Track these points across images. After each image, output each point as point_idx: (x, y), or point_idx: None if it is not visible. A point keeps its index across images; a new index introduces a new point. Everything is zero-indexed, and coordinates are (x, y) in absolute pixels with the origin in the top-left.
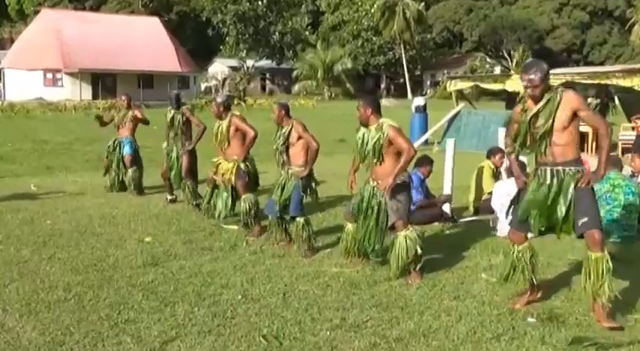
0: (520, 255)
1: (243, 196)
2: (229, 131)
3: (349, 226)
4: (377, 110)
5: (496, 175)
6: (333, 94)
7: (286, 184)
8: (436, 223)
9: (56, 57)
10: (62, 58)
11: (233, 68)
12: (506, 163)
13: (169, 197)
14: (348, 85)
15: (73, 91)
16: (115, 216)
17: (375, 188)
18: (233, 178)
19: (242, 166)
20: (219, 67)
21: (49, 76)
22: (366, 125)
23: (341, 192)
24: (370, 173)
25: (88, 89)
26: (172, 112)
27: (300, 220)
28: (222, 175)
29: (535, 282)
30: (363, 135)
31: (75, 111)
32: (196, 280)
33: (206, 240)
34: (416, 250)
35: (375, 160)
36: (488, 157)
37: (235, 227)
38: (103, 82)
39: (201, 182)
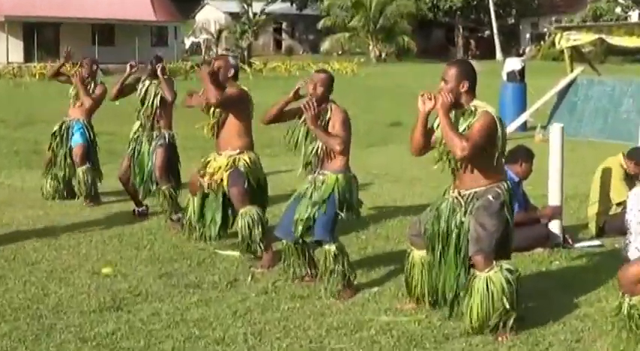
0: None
1: (241, 210)
2: (215, 110)
3: (415, 255)
4: (473, 85)
5: (631, 180)
6: (382, 54)
7: (313, 194)
8: (539, 249)
9: None
10: None
11: (232, 15)
12: None
13: (137, 209)
14: (406, 39)
15: None
16: (58, 236)
17: (457, 200)
18: (225, 181)
19: (241, 163)
20: (212, 14)
21: None
22: (452, 107)
23: (396, 199)
24: (453, 180)
25: (17, 47)
26: (147, 82)
27: (331, 247)
28: (211, 175)
29: None
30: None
31: None
32: (177, 332)
33: (192, 272)
34: (502, 301)
35: (460, 163)
36: (628, 158)
37: (235, 253)
38: (40, 35)
39: (182, 187)
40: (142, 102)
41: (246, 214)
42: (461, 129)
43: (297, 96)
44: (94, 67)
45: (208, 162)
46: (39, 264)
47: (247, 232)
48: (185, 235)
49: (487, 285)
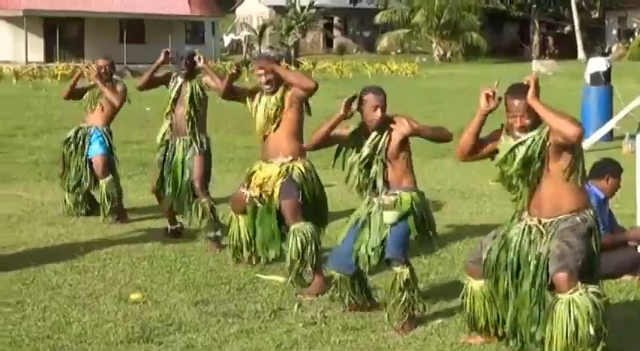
0: None
1: (293, 227)
2: (282, 109)
3: (473, 285)
4: None
5: None
6: (447, 54)
7: (372, 221)
8: (627, 277)
9: None
10: None
11: (277, 9)
12: None
13: (170, 227)
14: (474, 36)
15: (14, 49)
16: (81, 257)
17: (536, 228)
18: (277, 192)
19: (295, 172)
20: (254, 8)
21: None
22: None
23: (463, 219)
24: (526, 203)
25: (37, 45)
26: (179, 81)
27: (404, 270)
28: (260, 187)
29: None
30: (515, 148)
31: (17, 80)
32: None
33: (231, 300)
34: (588, 329)
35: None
36: None
37: (281, 279)
38: (62, 32)
39: (218, 202)
40: (174, 102)
41: (299, 231)
42: (537, 150)
43: (348, 113)
44: (110, 68)
45: (253, 173)
46: (60, 288)
47: (298, 253)
48: (228, 256)
49: (570, 309)
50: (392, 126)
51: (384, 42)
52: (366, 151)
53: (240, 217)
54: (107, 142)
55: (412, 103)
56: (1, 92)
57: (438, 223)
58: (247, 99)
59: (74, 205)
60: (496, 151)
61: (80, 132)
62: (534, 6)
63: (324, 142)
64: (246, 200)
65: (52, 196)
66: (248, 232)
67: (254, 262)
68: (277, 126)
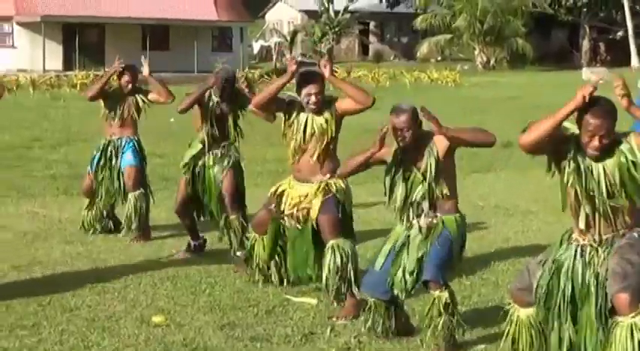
0: None
1: (332, 242)
2: (334, 125)
3: (520, 314)
4: None
5: None
6: (491, 61)
7: (411, 244)
8: None
9: None
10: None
11: (310, 14)
12: None
13: (193, 243)
14: (519, 42)
15: (31, 56)
16: (101, 277)
17: (590, 248)
18: (316, 209)
19: (337, 188)
20: (285, 13)
21: None
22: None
23: (507, 238)
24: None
25: (56, 52)
26: (215, 98)
27: (443, 294)
28: (295, 206)
29: None
30: (596, 169)
31: (34, 90)
32: None
33: (260, 323)
34: None
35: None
36: None
37: (313, 301)
38: (82, 39)
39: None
40: (211, 120)
41: (338, 247)
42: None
43: (383, 145)
44: (134, 74)
45: (282, 192)
46: (78, 310)
47: (337, 270)
48: (253, 279)
49: (632, 334)
50: (433, 142)
51: (423, 48)
52: (409, 172)
53: (263, 238)
54: (141, 153)
55: (453, 114)
56: (17, 102)
57: (481, 241)
58: (284, 114)
59: (93, 221)
60: (558, 153)
61: (110, 146)
62: (584, 10)
63: (358, 171)
64: (271, 219)
65: (69, 213)
66: (276, 254)
67: (284, 284)
68: (307, 144)
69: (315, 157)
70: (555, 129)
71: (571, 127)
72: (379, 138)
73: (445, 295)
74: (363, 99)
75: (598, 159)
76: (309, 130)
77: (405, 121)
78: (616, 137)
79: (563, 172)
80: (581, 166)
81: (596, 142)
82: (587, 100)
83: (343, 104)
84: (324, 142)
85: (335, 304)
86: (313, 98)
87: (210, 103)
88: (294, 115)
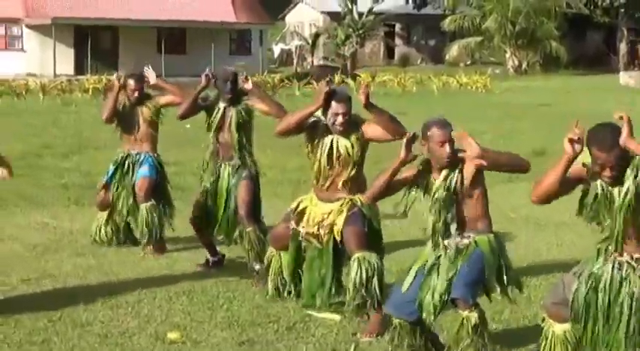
0: None
1: (357, 254)
2: (360, 149)
3: (556, 330)
4: None
5: None
6: (523, 65)
7: (441, 266)
8: None
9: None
10: (23, 1)
11: (332, 16)
12: None
13: (212, 259)
14: (553, 44)
15: (42, 60)
16: (113, 291)
17: (627, 265)
18: (339, 224)
19: (359, 202)
20: (307, 15)
21: (0, 31)
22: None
23: (540, 251)
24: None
25: (67, 56)
26: (221, 105)
27: (471, 314)
28: (316, 224)
29: None
30: (616, 193)
31: (44, 95)
32: None
33: (280, 340)
34: None
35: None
36: None
37: (336, 317)
38: (94, 42)
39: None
40: (218, 128)
41: (364, 260)
42: None
43: (409, 156)
44: (139, 85)
45: (303, 209)
46: (90, 326)
47: (362, 284)
48: (269, 295)
49: None
50: (462, 160)
51: (452, 51)
52: (439, 193)
53: (282, 254)
54: (158, 167)
55: (483, 121)
56: (27, 108)
57: (511, 255)
58: (307, 136)
59: (111, 237)
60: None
61: (129, 160)
62: (622, 10)
63: (385, 194)
64: (291, 236)
65: (81, 224)
66: (292, 271)
67: (291, 296)
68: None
69: (340, 182)
70: (559, 180)
71: (587, 158)
72: (405, 144)
73: (474, 315)
74: (396, 131)
75: (615, 183)
76: (334, 154)
77: (449, 134)
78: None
79: (585, 205)
80: (601, 194)
81: (607, 173)
82: (574, 144)
83: (371, 130)
84: (350, 167)
85: (359, 320)
86: (340, 118)
87: (215, 110)
88: (318, 137)
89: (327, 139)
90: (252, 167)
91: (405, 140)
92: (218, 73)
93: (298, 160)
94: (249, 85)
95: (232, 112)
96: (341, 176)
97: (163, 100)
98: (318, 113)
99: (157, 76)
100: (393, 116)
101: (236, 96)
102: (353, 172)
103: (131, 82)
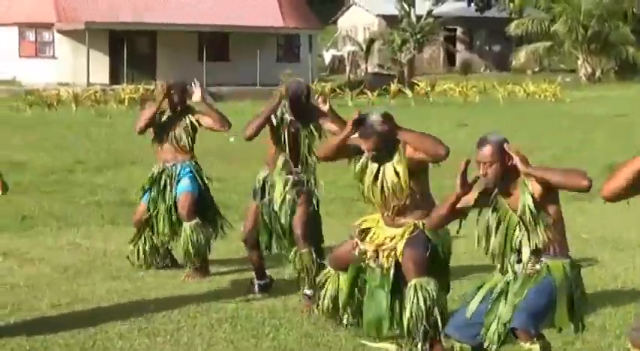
0: None
1: (414, 281)
2: (408, 174)
3: None
4: None
5: None
6: (596, 72)
7: (510, 292)
8: None
9: (44, 2)
10: (55, 5)
11: (388, 19)
12: None
13: (258, 282)
14: (629, 49)
15: (74, 68)
16: (151, 318)
17: None
18: (399, 249)
19: (422, 226)
20: (360, 18)
21: (30, 37)
22: None
23: (616, 275)
24: None
25: (102, 64)
26: (286, 117)
27: (534, 346)
28: (378, 246)
29: None
30: None
31: (77, 106)
32: None
33: None
34: None
35: None
36: None
37: (392, 347)
38: (131, 48)
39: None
40: (283, 142)
41: (422, 287)
42: None
43: (466, 183)
44: (182, 91)
45: (367, 230)
46: None
47: (421, 313)
48: (321, 321)
49: None
50: (527, 180)
51: (520, 57)
52: (509, 216)
53: (340, 274)
54: (200, 178)
55: (553, 133)
56: (58, 119)
57: (585, 280)
58: (352, 162)
59: (145, 256)
60: None
61: (164, 174)
62: None
63: (446, 223)
64: (355, 255)
65: (116, 244)
66: (349, 294)
67: (359, 326)
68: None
69: (402, 207)
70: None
71: None
72: (460, 178)
73: (536, 347)
74: (435, 151)
75: None
76: (381, 184)
77: (487, 155)
78: None
79: None
80: None
81: None
82: None
83: (410, 152)
84: (402, 195)
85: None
86: (367, 153)
87: (282, 122)
88: (363, 163)
89: (374, 167)
90: (311, 182)
91: (459, 174)
92: (290, 86)
93: (350, 175)
94: (325, 107)
95: (300, 127)
96: (396, 206)
97: (203, 122)
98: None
99: (201, 95)
100: (423, 135)
101: (308, 112)
102: (409, 196)
103: (175, 93)
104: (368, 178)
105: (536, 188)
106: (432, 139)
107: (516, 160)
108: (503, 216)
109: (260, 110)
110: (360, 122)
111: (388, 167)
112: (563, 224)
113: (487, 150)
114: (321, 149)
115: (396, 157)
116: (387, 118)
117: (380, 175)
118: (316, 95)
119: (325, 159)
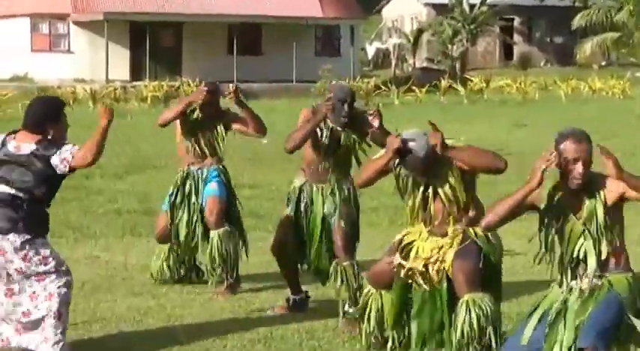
0: None
1: (467, 297)
2: (461, 186)
3: None
4: None
5: None
6: None
7: (569, 311)
8: None
9: None
10: None
11: (438, 9)
12: None
13: (293, 298)
14: None
15: (92, 63)
16: (176, 337)
17: None
18: (450, 260)
19: (473, 234)
20: (407, 8)
21: (43, 29)
22: None
23: None
24: None
25: (122, 58)
26: (329, 123)
27: None
28: (425, 261)
29: None
30: None
31: (94, 104)
32: None
33: None
34: None
35: None
36: None
37: None
38: (154, 41)
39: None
40: (323, 150)
41: (474, 303)
42: None
43: (540, 185)
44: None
45: (409, 244)
46: None
47: (474, 332)
48: (363, 345)
49: None
50: (602, 186)
51: (585, 50)
52: (573, 223)
53: (382, 293)
54: (227, 183)
55: (621, 133)
56: (74, 119)
57: None
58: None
59: (173, 273)
60: None
61: (189, 179)
62: None
63: (505, 222)
64: (395, 272)
65: (138, 257)
66: (396, 315)
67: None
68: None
69: (450, 216)
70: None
71: None
72: (539, 170)
73: None
74: (495, 165)
75: None
76: (433, 198)
77: (587, 151)
78: None
79: None
80: None
81: None
82: None
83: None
84: (454, 208)
85: None
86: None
87: (324, 131)
88: (411, 181)
89: (421, 182)
90: (352, 190)
91: (543, 164)
92: (334, 91)
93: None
94: (376, 123)
95: (341, 135)
96: (446, 218)
97: (235, 125)
98: None
99: (237, 98)
100: (484, 151)
101: (351, 121)
102: (460, 207)
103: (210, 96)
104: (416, 197)
105: (609, 196)
106: (488, 155)
107: (610, 164)
108: (565, 224)
109: (301, 118)
110: (402, 152)
111: (440, 182)
112: (623, 235)
113: (587, 146)
114: (359, 177)
115: (448, 173)
116: (434, 139)
117: (431, 189)
118: (361, 92)
119: (363, 187)
